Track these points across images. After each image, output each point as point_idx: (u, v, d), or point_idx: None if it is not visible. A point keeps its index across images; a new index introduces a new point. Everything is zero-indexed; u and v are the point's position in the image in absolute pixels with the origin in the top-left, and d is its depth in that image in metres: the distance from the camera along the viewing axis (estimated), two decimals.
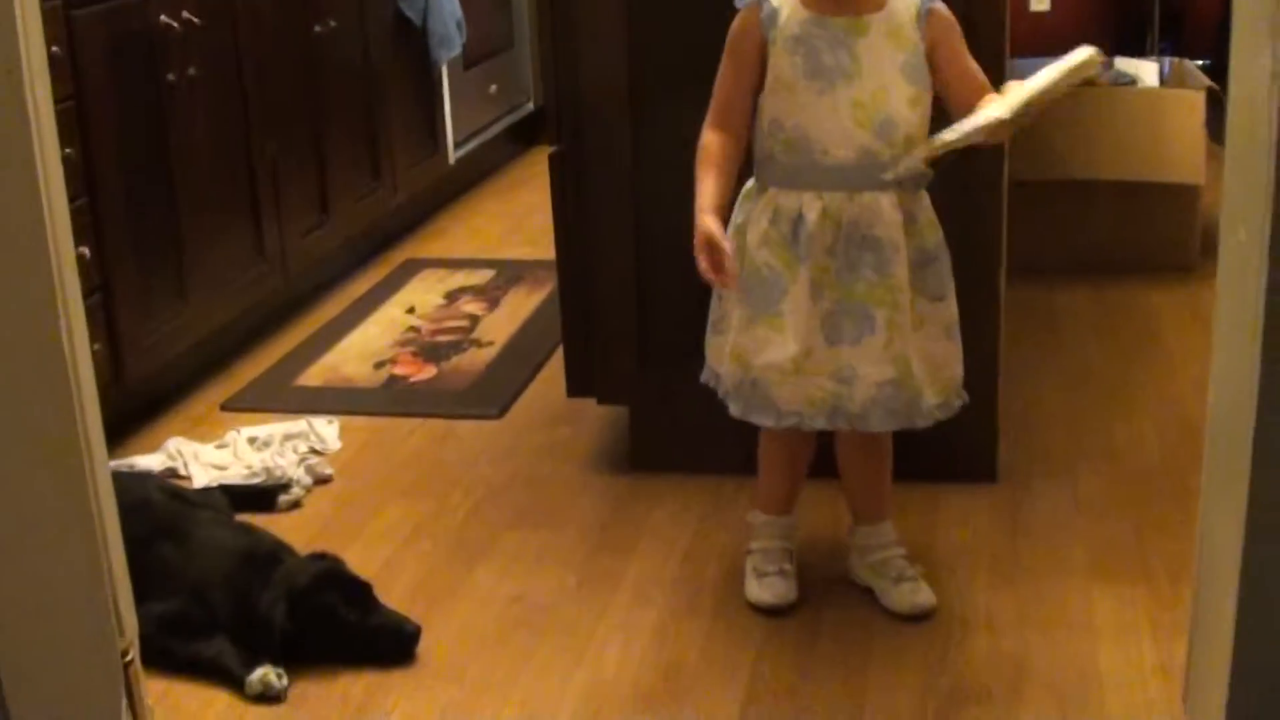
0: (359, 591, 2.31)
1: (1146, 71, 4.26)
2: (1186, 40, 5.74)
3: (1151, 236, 3.93)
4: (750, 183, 2.30)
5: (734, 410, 2.33)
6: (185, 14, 3.19)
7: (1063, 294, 3.79)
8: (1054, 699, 2.14)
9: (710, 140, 2.25)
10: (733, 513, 2.68)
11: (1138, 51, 5.28)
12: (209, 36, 3.29)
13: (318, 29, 3.82)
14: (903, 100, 2.17)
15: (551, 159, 2.78)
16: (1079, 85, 2.16)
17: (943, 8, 2.21)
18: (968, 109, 2.15)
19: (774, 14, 2.20)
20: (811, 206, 2.19)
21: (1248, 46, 1.20)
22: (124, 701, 1.54)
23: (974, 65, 2.22)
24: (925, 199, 2.27)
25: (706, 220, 2.17)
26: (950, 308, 2.29)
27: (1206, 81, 4.09)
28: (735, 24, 2.24)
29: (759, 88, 2.22)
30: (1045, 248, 3.92)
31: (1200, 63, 4.45)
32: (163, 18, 3.13)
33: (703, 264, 2.16)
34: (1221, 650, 1.38)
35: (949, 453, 2.71)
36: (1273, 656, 1.32)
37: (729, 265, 2.15)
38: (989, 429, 2.77)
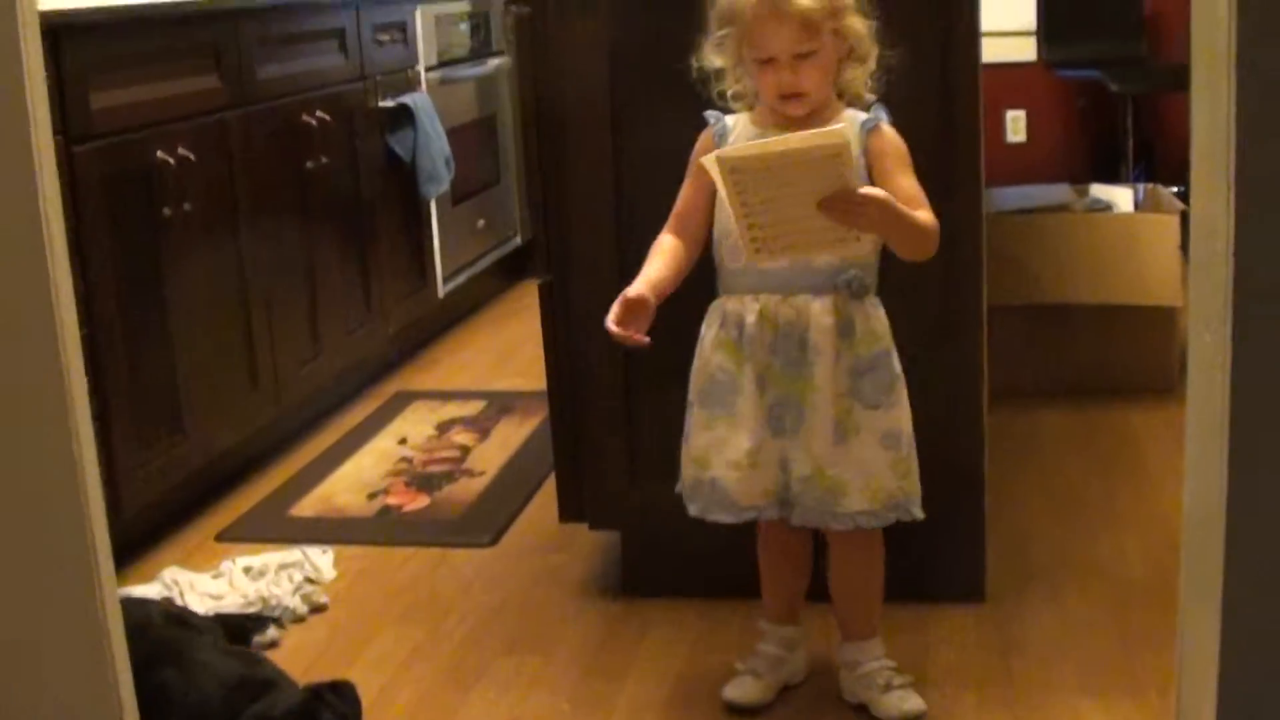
0: None
1: (1122, 198, 4.36)
2: (1159, 168, 5.87)
3: (1131, 358, 4.00)
4: (713, 303, 2.40)
5: (693, 510, 2.41)
6: (181, 150, 3.27)
7: (1045, 416, 3.85)
8: None
9: (661, 238, 2.39)
10: (725, 635, 2.71)
11: (1112, 179, 5.40)
12: (204, 172, 3.37)
13: (310, 165, 3.91)
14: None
15: (541, 289, 2.85)
16: (827, 165, 2.13)
17: (888, 129, 2.30)
18: None
19: (725, 131, 2.35)
20: (750, 309, 2.31)
21: (1205, 165, 1.26)
22: None
23: (908, 185, 2.27)
24: (870, 309, 2.33)
25: (633, 286, 2.29)
26: (889, 417, 2.33)
27: (1180, 206, 4.18)
28: (697, 145, 2.39)
29: (710, 202, 2.34)
30: (1026, 371, 3.98)
31: (1174, 189, 4.55)
32: (159, 153, 3.20)
33: (612, 315, 2.26)
34: None
35: (937, 573, 2.75)
36: None
37: (638, 325, 2.27)
38: (976, 548, 2.81)
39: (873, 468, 2.33)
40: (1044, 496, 3.33)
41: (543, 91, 2.76)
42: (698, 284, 2.68)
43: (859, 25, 2.28)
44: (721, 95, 2.39)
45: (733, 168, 2.12)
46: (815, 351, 2.29)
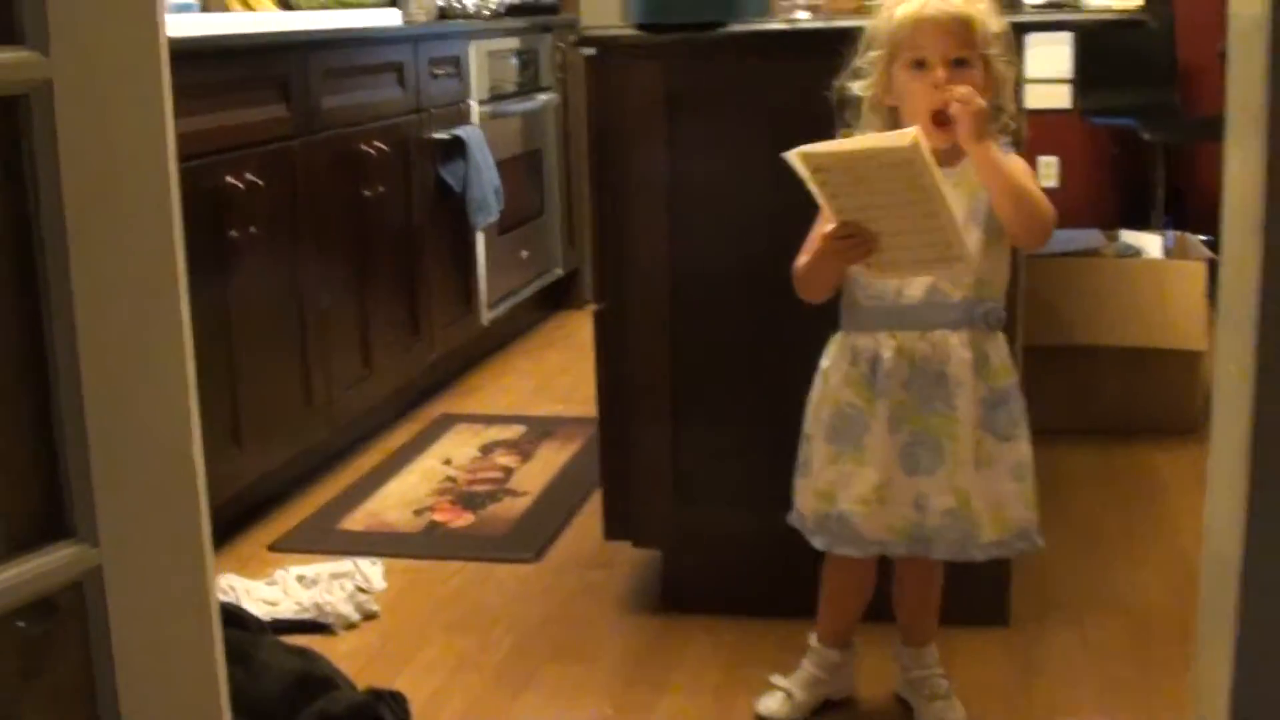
0: None
1: (1151, 244, 4.48)
2: (1188, 216, 5.98)
3: (1156, 400, 4.12)
4: (837, 334, 2.46)
5: (819, 544, 2.48)
6: (249, 175, 3.42)
7: (1072, 454, 3.96)
8: None
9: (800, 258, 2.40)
10: (762, 651, 2.83)
11: (1143, 225, 5.52)
12: (270, 197, 3.52)
13: (367, 193, 4.05)
14: (974, 240, 2.33)
15: (596, 315, 2.98)
16: (904, 168, 2.17)
17: (1017, 157, 2.37)
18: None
19: None
20: (886, 345, 2.37)
21: (1237, 207, 1.39)
22: None
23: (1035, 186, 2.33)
24: (1001, 341, 2.41)
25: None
26: (1019, 449, 2.42)
27: (1208, 253, 4.31)
28: None
29: None
30: (1055, 411, 4.09)
31: (1202, 238, 4.68)
32: (228, 178, 3.35)
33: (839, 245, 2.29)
34: None
35: (964, 598, 2.86)
36: None
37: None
38: (1001, 575, 2.93)
39: (1005, 499, 2.41)
40: (1067, 530, 3.45)
41: (602, 126, 2.90)
42: (753, 326, 2.84)
43: (1004, 66, 2.35)
44: (856, 118, 2.41)
45: (815, 165, 2.18)
46: (956, 384, 2.35)
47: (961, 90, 2.25)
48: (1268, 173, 1.26)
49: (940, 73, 2.28)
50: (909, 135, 2.15)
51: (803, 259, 2.40)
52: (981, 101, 2.25)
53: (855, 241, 2.28)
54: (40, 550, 1.39)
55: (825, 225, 2.32)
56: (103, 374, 1.40)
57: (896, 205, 2.21)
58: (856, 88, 2.38)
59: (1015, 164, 2.35)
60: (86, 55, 1.36)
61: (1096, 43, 5.81)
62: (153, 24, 1.43)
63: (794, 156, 2.19)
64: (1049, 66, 6.16)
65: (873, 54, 2.36)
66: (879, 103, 2.38)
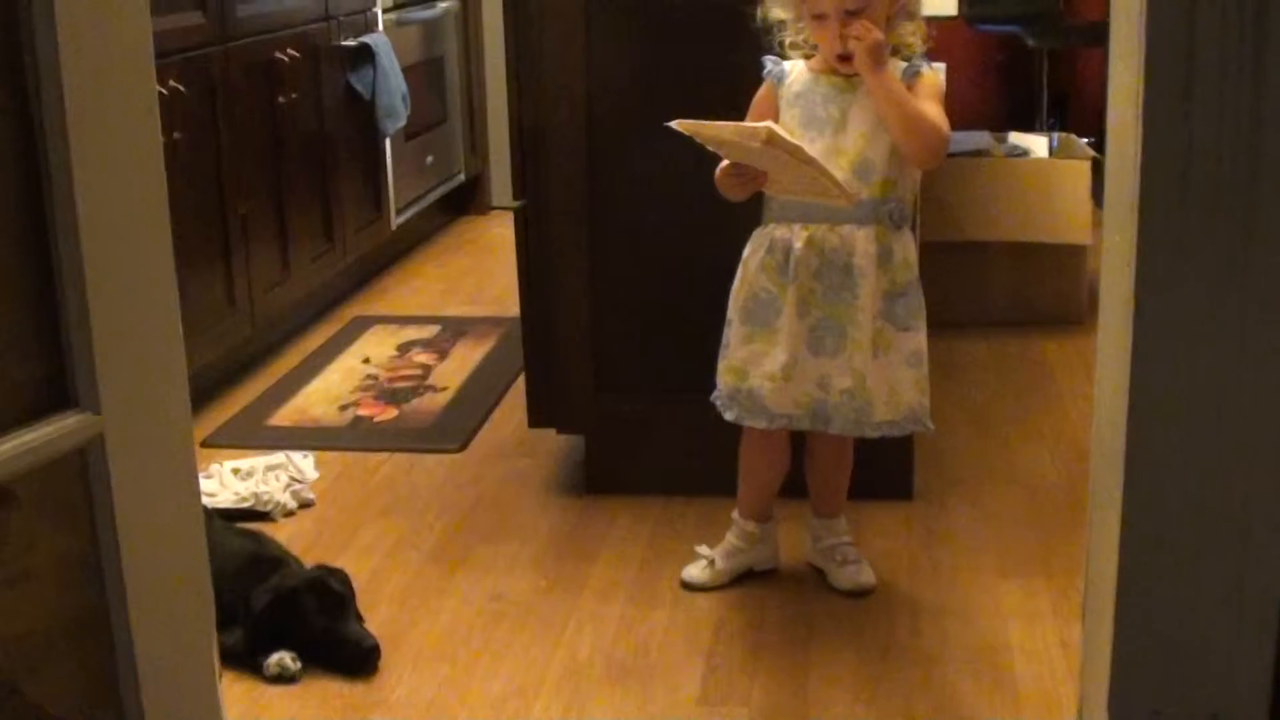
0: (335, 602, 2.59)
1: (1037, 145, 4.68)
2: (1072, 118, 6.20)
3: (1044, 293, 4.33)
4: (758, 228, 2.64)
5: (729, 416, 2.66)
6: (171, 82, 3.49)
7: (967, 344, 4.17)
8: (970, 665, 2.48)
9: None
10: (683, 525, 3.01)
11: (1029, 127, 5.72)
12: (191, 103, 3.60)
13: (281, 100, 4.14)
14: (881, 146, 2.53)
15: (516, 213, 3.11)
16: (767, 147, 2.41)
17: (926, 71, 2.57)
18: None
19: (783, 76, 2.61)
20: (799, 236, 2.56)
21: (1121, 110, 1.55)
22: None
23: (930, 107, 2.52)
24: (907, 238, 2.61)
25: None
26: (915, 339, 2.61)
27: (1091, 153, 4.51)
28: (759, 91, 2.65)
29: None
30: (950, 304, 4.28)
31: (1086, 140, 4.88)
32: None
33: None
34: (1105, 628, 1.71)
35: (871, 475, 3.05)
36: (1146, 631, 1.64)
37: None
38: (905, 453, 3.12)
39: (898, 384, 2.60)
40: (966, 415, 3.65)
41: (520, 21, 3.00)
42: (670, 220, 2.99)
43: None
44: (781, 44, 2.64)
45: (693, 135, 2.42)
46: (860, 275, 2.54)
47: (856, 29, 2.46)
48: (1145, 76, 1.42)
49: (834, 27, 2.50)
50: (762, 131, 2.38)
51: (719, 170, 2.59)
52: (876, 35, 2.46)
53: (746, 178, 2.53)
54: (49, 419, 1.51)
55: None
56: (101, 259, 1.52)
57: (774, 162, 2.46)
58: (779, 14, 2.60)
59: (925, 83, 2.55)
60: None
61: None
62: None
63: (675, 126, 2.41)
64: None
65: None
66: (798, 43, 2.62)
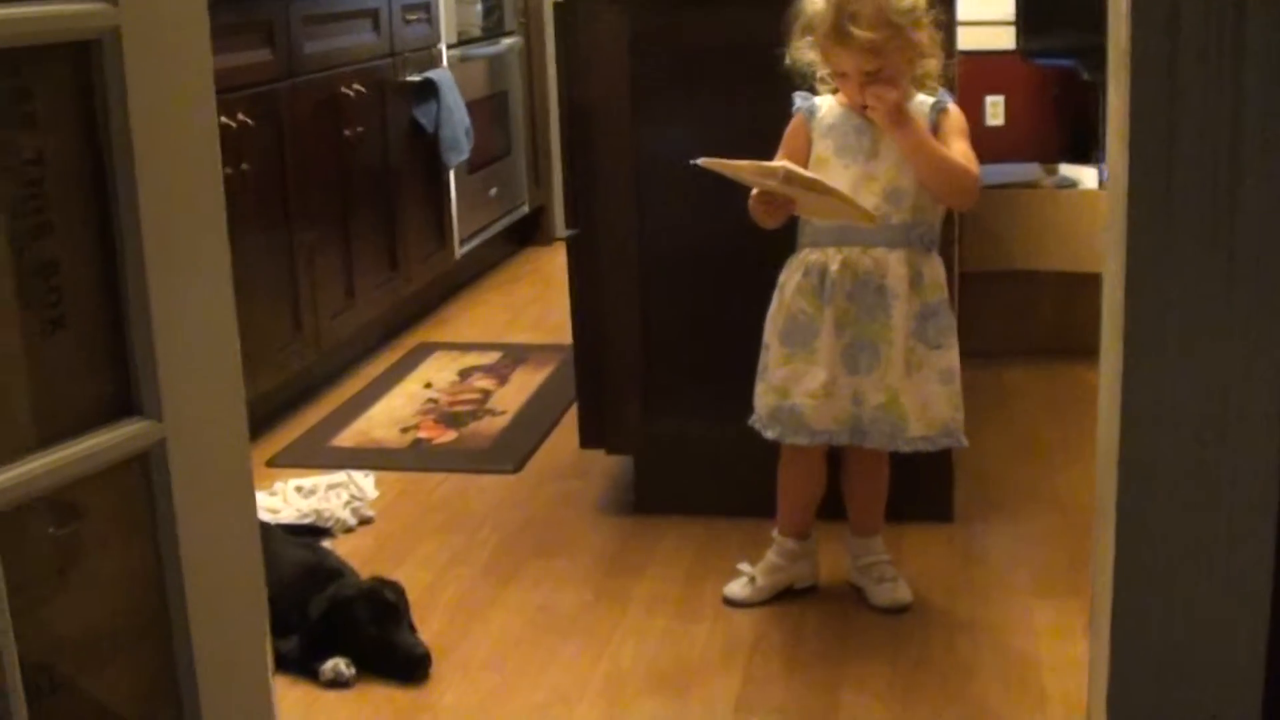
0: (388, 613, 2.70)
1: (1087, 176, 4.75)
2: None
3: (1091, 321, 4.36)
4: (793, 254, 2.77)
5: (772, 435, 2.78)
6: (240, 115, 3.64)
7: (1013, 372, 4.24)
8: (1000, 679, 2.56)
9: None
10: (727, 545, 3.10)
11: (1084, 160, 5.79)
12: (259, 136, 3.74)
13: (346, 133, 4.28)
14: (910, 174, 2.67)
15: (569, 242, 3.23)
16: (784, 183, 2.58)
17: (953, 108, 2.72)
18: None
19: (814, 110, 2.75)
20: (834, 259, 2.68)
21: (1116, 131, 1.64)
22: None
23: (959, 146, 2.68)
24: (935, 261, 2.73)
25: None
26: (946, 357, 2.73)
27: None
28: (790, 125, 2.78)
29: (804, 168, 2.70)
30: (998, 333, 4.38)
31: None
32: (222, 118, 3.57)
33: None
34: (1104, 636, 1.80)
35: (912, 497, 3.13)
36: (1143, 637, 1.72)
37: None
38: (945, 476, 3.20)
39: (931, 400, 2.72)
40: (1008, 440, 3.73)
41: (573, 69, 3.14)
42: (714, 251, 3.11)
43: (922, 35, 2.66)
44: (810, 80, 2.75)
45: (719, 171, 2.58)
46: (892, 296, 2.67)
47: (874, 94, 2.62)
48: (1131, 105, 1.52)
49: (856, 85, 2.64)
50: (779, 171, 2.54)
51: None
52: (892, 98, 2.60)
53: (775, 205, 2.66)
54: (115, 425, 1.64)
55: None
56: (165, 277, 1.65)
57: (797, 193, 2.59)
58: (809, 57, 2.70)
59: (951, 120, 2.70)
60: (148, 5, 1.60)
61: None
62: None
63: (700, 163, 2.57)
64: (994, 9, 6.40)
65: (807, 39, 2.68)
66: (827, 78, 2.75)
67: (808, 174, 2.58)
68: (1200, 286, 1.55)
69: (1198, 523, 1.63)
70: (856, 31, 2.59)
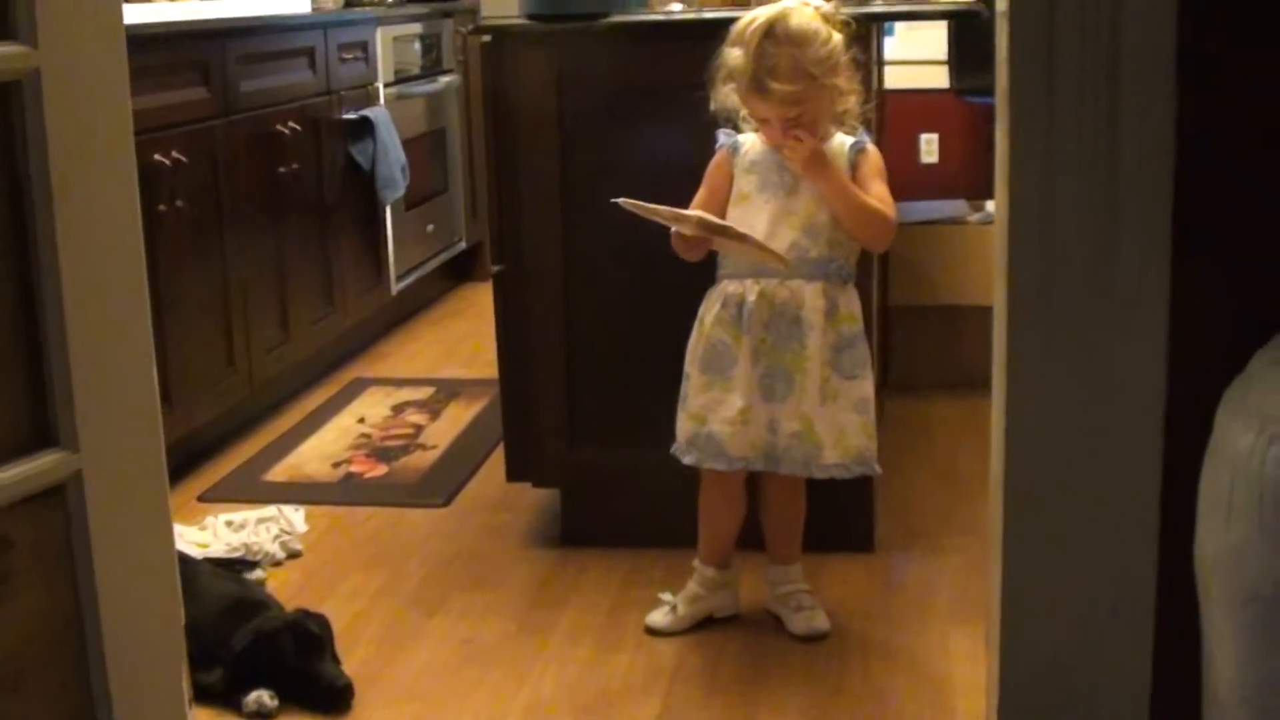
0: (312, 644, 2.73)
1: None
2: None
3: None
4: (713, 286, 2.83)
5: (689, 459, 2.84)
6: (174, 153, 3.68)
7: (938, 406, 4.31)
8: (914, 703, 2.62)
9: None
10: (651, 575, 3.15)
11: None
12: (193, 173, 3.79)
13: (282, 170, 4.33)
14: (828, 210, 2.75)
15: (495, 277, 3.28)
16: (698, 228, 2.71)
17: (870, 148, 2.81)
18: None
19: (738, 146, 2.83)
20: (752, 290, 2.76)
21: (1001, 172, 1.72)
22: None
23: (877, 189, 2.78)
24: (851, 293, 2.81)
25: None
26: (861, 387, 2.80)
27: None
28: (713, 160, 2.86)
29: (725, 204, 2.81)
30: (923, 365, 4.45)
31: None
32: (156, 156, 3.62)
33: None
34: (994, 655, 1.87)
35: (833, 527, 3.19)
36: (1029, 655, 1.79)
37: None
38: (866, 506, 3.27)
39: (846, 428, 2.79)
40: (933, 471, 3.80)
41: (499, 107, 3.20)
42: (637, 285, 3.17)
43: (839, 79, 2.74)
44: (733, 119, 2.84)
45: (636, 212, 2.71)
46: (808, 327, 2.74)
47: (791, 143, 2.71)
48: (1009, 144, 1.59)
49: (777, 131, 2.73)
50: (692, 219, 2.68)
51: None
52: (812, 144, 2.71)
53: (694, 243, 2.75)
54: (31, 456, 1.68)
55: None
56: (81, 309, 1.69)
57: (712, 234, 2.71)
58: (732, 102, 2.78)
59: (870, 161, 2.80)
60: (68, 48, 1.65)
61: (968, 27, 6.16)
62: (118, 20, 1.71)
63: (620, 203, 2.69)
64: (929, 48, 6.50)
65: (731, 86, 2.76)
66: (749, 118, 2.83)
67: (719, 221, 2.69)
68: (1078, 323, 1.62)
69: (1080, 542, 1.69)
70: (775, 85, 2.67)
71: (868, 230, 2.78)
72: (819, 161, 2.72)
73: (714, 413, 2.78)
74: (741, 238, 2.65)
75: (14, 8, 1.60)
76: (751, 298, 2.76)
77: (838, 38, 2.72)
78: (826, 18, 2.72)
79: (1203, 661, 1.57)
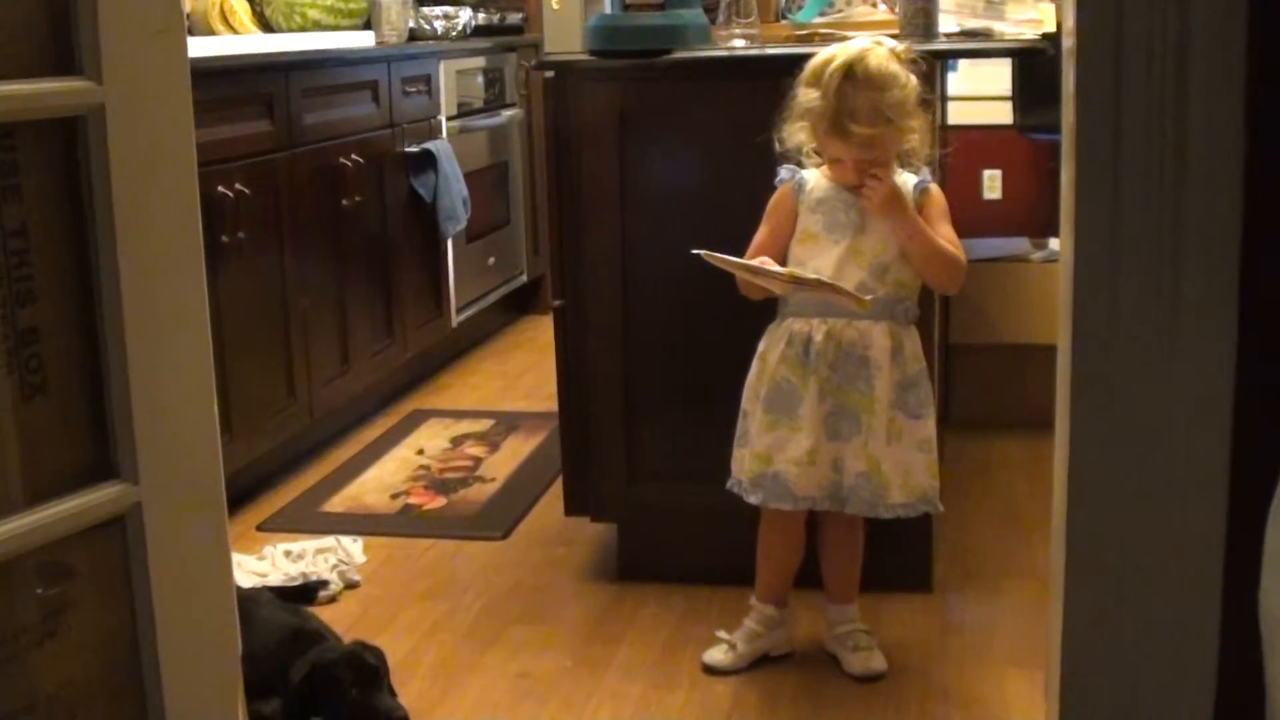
0: (369, 676, 2.73)
1: None
2: None
3: None
4: (773, 323, 2.83)
5: (755, 500, 2.83)
6: (237, 185, 3.71)
7: (1000, 445, 4.28)
8: None
9: None
10: (706, 613, 3.14)
11: None
12: (255, 205, 3.81)
13: (344, 203, 4.35)
14: (895, 249, 2.74)
15: (556, 311, 3.29)
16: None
17: (934, 188, 2.80)
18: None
19: (803, 183, 2.82)
20: (819, 330, 2.75)
21: (1066, 223, 1.70)
22: None
23: (944, 230, 2.78)
24: (914, 334, 2.80)
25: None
26: (925, 426, 2.79)
27: None
28: (775, 195, 2.85)
29: (787, 242, 2.80)
30: (985, 404, 4.42)
31: None
32: (219, 188, 3.65)
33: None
34: (1054, 704, 1.85)
35: (891, 567, 3.17)
36: (1088, 706, 1.77)
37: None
38: (925, 546, 3.24)
39: (912, 468, 2.78)
40: (992, 512, 3.77)
41: (561, 141, 3.21)
42: (696, 321, 3.16)
43: (914, 123, 2.75)
44: (800, 152, 2.83)
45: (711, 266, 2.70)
46: (875, 367, 2.74)
47: (872, 184, 2.71)
48: (1075, 181, 1.58)
49: (851, 171, 2.74)
50: (782, 278, 2.69)
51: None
52: (889, 186, 2.71)
53: (763, 284, 2.75)
54: (93, 488, 1.69)
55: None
56: (143, 342, 1.71)
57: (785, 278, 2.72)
58: (801, 138, 2.79)
59: (934, 202, 2.79)
60: (132, 84, 1.66)
61: (1033, 64, 6.13)
62: (183, 54, 1.72)
63: (702, 255, 2.68)
64: (994, 85, 6.48)
65: (803, 123, 2.76)
66: (811, 153, 2.84)
67: (811, 276, 2.68)
68: (1144, 366, 1.60)
69: (1143, 588, 1.67)
70: (855, 128, 2.67)
71: (941, 273, 2.78)
72: (897, 203, 2.72)
73: (780, 452, 2.77)
74: (834, 289, 2.66)
75: (79, 43, 1.61)
76: (818, 337, 2.75)
77: (914, 81, 2.72)
78: (899, 57, 2.72)
79: (1266, 712, 1.54)
